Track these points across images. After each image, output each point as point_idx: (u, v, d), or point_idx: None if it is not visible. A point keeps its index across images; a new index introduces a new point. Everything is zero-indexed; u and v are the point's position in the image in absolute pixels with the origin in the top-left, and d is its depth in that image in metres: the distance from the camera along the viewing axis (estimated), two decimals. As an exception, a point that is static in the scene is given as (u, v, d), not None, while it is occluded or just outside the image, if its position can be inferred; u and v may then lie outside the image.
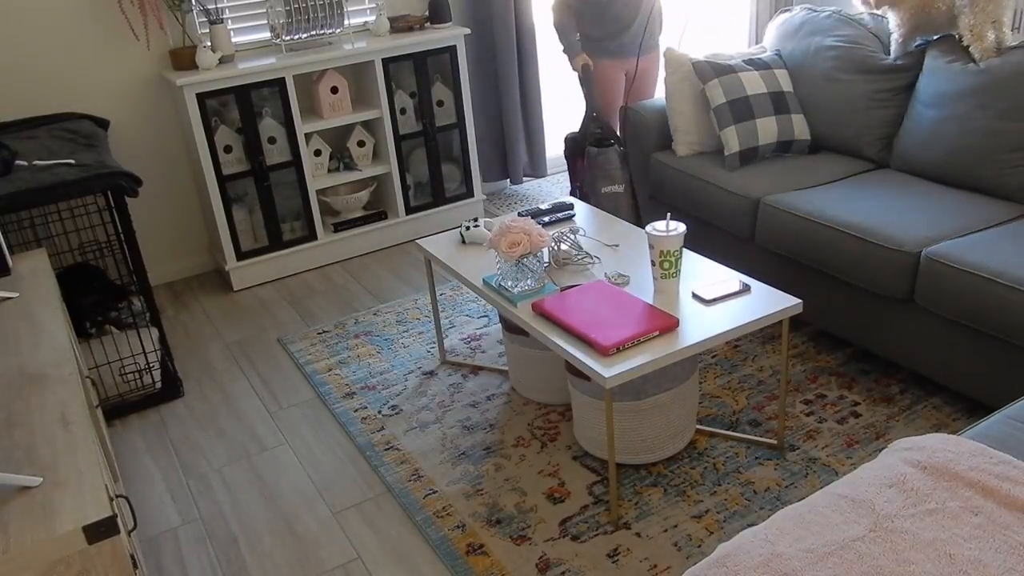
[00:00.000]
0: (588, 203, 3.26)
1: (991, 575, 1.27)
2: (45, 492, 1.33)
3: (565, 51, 3.61)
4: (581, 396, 2.38)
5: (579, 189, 3.41)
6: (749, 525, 2.18)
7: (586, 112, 3.46)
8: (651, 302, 2.31)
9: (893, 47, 3.03)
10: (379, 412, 2.80)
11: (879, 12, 3.07)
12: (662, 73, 3.41)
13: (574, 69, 3.59)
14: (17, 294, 2.05)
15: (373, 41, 3.78)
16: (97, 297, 3.11)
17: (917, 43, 3.01)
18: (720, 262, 3.19)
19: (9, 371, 1.71)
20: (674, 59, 3.29)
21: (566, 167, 3.81)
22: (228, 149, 3.61)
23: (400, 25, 3.89)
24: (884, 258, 2.53)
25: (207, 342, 3.37)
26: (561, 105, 4.96)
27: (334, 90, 3.73)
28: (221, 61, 3.54)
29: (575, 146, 3.43)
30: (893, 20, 3.00)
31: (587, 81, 3.48)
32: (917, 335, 2.54)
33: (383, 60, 3.73)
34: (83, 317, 3.05)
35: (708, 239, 3.24)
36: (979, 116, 2.76)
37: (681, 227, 2.27)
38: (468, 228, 2.79)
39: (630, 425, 2.34)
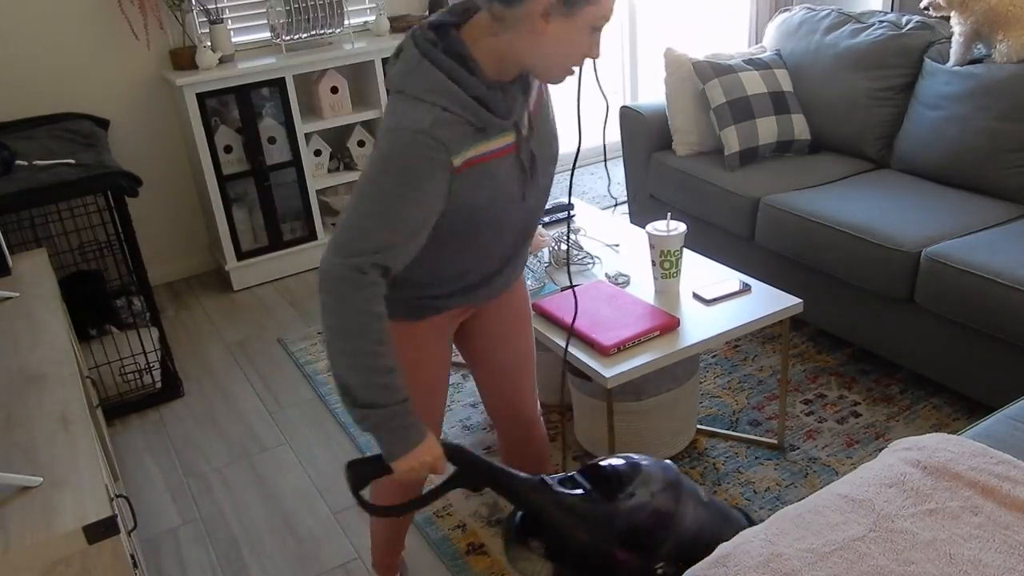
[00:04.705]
0: None
1: (991, 575, 1.26)
2: (45, 492, 1.33)
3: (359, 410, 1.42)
4: (582, 396, 2.38)
5: None
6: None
7: None
8: (651, 302, 2.31)
9: (953, 50, 2.88)
10: (379, 412, 2.80)
11: (942, 15, 2.89)
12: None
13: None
14: (17, 294, 2.05)
15: (373, 41, 3.78)
16: (105, 300, 3.11)
17: (977, 51, 2.88)
18: (720, 262, 3.18)
19: (9, 371, 1.71)
20: (674, 59, 3.29)
21: None
22: (228, 149, 3.61)
23: (400, 25, 3.89)
24: (884, 258, 2.53)
25: (207, 342, 3.37)
26: (561, 105, 4.96)
27: (334, 90, 3.73)
28: (221, 61, 3.53)
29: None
30: (955, 20, 2.84)
31: None
32: (917, 335, 2.54)
33: (383, 60, 3.73)
34: (92, 324, 3.05)
35: (708, 239, 3.24)
36: (979, 117, 2.76)
37: (681, 227, 2.27)
38: (468, 228, 2.78)
39: (630, 425, 2.33)
